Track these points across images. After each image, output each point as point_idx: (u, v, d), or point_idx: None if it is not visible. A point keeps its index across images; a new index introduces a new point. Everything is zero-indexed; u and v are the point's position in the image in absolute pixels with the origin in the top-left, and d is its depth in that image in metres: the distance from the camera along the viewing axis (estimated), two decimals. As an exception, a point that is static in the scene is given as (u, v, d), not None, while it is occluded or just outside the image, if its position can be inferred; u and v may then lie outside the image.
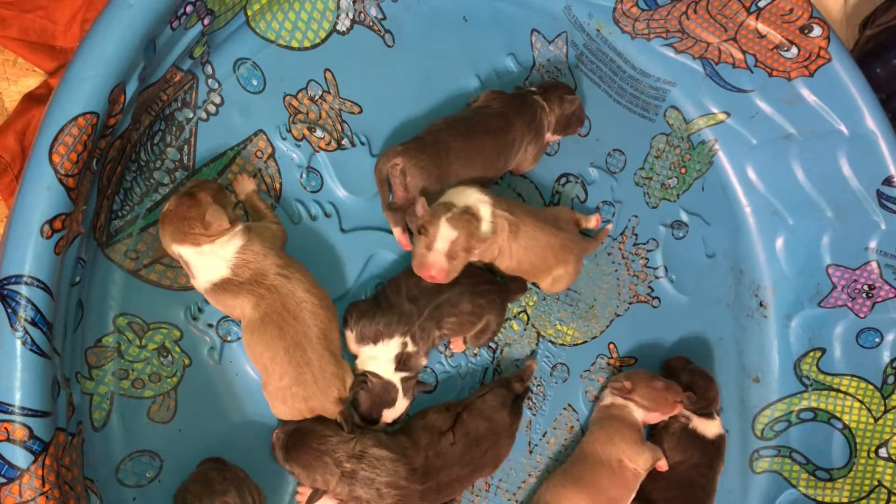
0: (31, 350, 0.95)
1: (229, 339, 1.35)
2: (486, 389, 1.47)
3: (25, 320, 0.95)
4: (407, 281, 1.41)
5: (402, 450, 1.32)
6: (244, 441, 1.33)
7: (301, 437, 1.28)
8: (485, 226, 1.39)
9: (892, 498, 1.62)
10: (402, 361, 1.36)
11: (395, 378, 1.36)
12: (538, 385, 1.62)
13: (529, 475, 1.59)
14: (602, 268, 1.72)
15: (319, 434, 1.28)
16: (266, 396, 1.31)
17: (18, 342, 0.95)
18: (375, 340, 1.35)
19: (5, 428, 0.93)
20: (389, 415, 1.37)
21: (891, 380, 1.70)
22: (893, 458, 1.66)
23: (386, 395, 1.36)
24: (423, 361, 1.41)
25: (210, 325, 1.34)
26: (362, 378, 1.35)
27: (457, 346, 1.51)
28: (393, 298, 1.39)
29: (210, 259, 1.22)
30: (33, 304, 0.96)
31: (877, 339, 1.72)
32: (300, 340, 1.26)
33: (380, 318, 1.36)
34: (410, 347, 1.36)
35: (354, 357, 1.40)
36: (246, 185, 1.35)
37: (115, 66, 1.03)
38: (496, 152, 1.49)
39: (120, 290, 1.28)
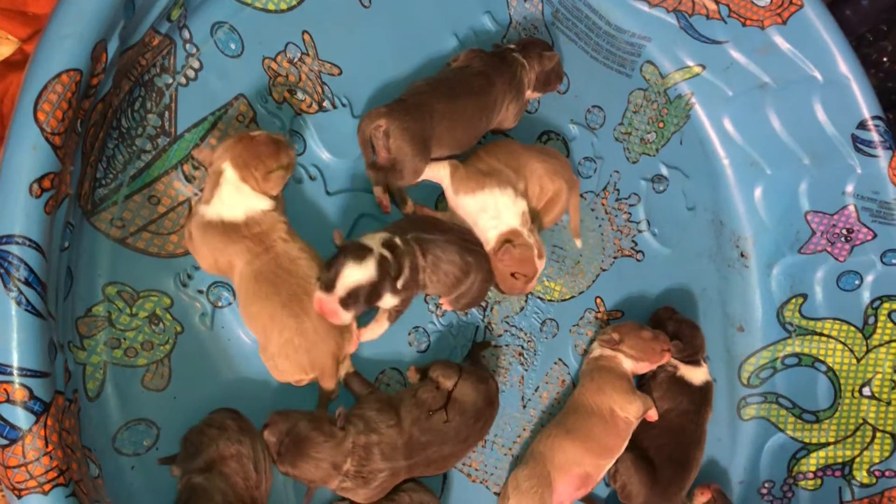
0: (27, 310, 0.94)
1: (220, 304, 1.35)
2: (457, 368, 1.43)
3: (19, 280, 0.94)
4: (399, 220, 1.42)
5: (387, 427, 1.31)
6: (239, 405, 1.31)
7: (296, 445, 1.24)
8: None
9: (878, 434, 1.66)
10: (388, 245, 1.29)
11: (376, 245, 1.27)
12: (529, 341, 1.63)
13: (524, 429, 1.61)
14: (586, 223, 1.73)
15: (314, 441, 1.24)
16: (264, 360, 1.30)
17: (13, 302, 0.93)
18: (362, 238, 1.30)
19: (5, 389, 0.92)
20: (343, 281, 1.23)
21: (871, 320, 1.73)
22: (877, 395, 1.70)
23: (355, 257, 1.25)
24: (406, 275, 1.31)
25: (200, 292, 1.33)
26: (339, 237, 1.28)
27: (447, 303, 1.52)
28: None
29: (238, 198, 1.24)
30: (26, 264, 0.95)
31: (857, 282, 1.76)
32: (296, 292, 1.25)
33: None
34: (398, 242, 1.31)
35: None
36: None
37: (96, 23, 1.01)
38: (479, 113, 1.49)
39: (108, 258, 1.26)
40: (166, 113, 1.33)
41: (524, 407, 1.62)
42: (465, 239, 1.43)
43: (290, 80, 1.44)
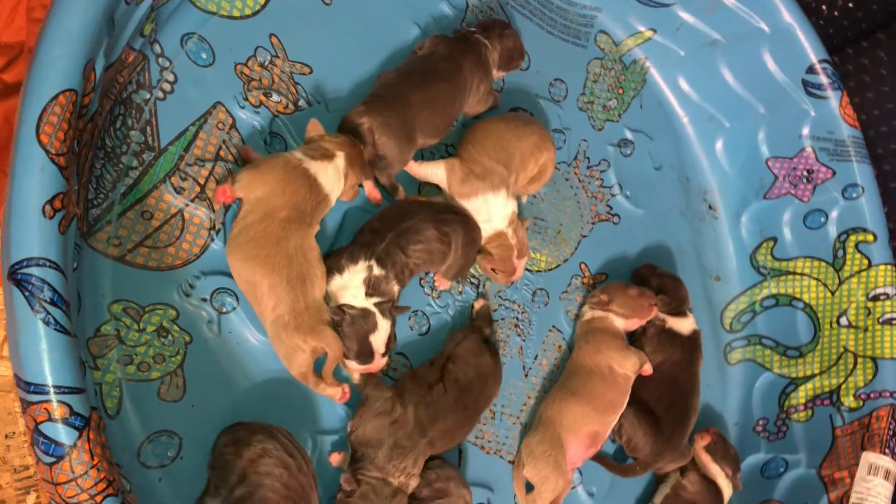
0: (56, 329, 0.95)
1: (225, 310, 1.36)
2: (460, 337, 1.51)
3: (44, 301, 0.95)
4: (371, 219, 1.45)
5: (388, 427, 1.34)
6: (256, 407, 1.34)
7: None
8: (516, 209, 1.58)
9: (859, 359, 1.74)
10: (371, 285, 1.36)
11: (369, 303, 1.35)
12: (522, 312, 1.68)
13: (529, 397, 1.66)
14: (562, 193, 1.79)
15: None
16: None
17: (41, 323, 0.94)
18: (341, 270, 1.36)
19: (45, 409, 0.93)
20: (377, 340, 1.36)
21: (840, 253, 1.82)
22: (854, 324, 1.78)
23: (366, 321, 1.34)
24: (396, 289, 1.39)
25: (204, 300, 1.35)
26: (339, 313, 1.34)
27: (442, 283, 1.56)
28: (357, 236, 1.43)
29: (334, 179, 1.36)
30: (49, 284, 0.95)
31: (822, 219, 1.84)
32: (303, 275, 1.30)
33: (343, 251, 1.39)
34: (377, 271, 1.36)
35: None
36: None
37: (84, 42, 1.02)
38: (453, 97, 1.53)
39: (109, 277, 1.27)
40: (148, 128, 1.34)
41: (526, 376, 1.66)
42: (438, 212, 1.46)
43: (263, 83, 1.46)
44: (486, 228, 1.55)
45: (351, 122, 1.43)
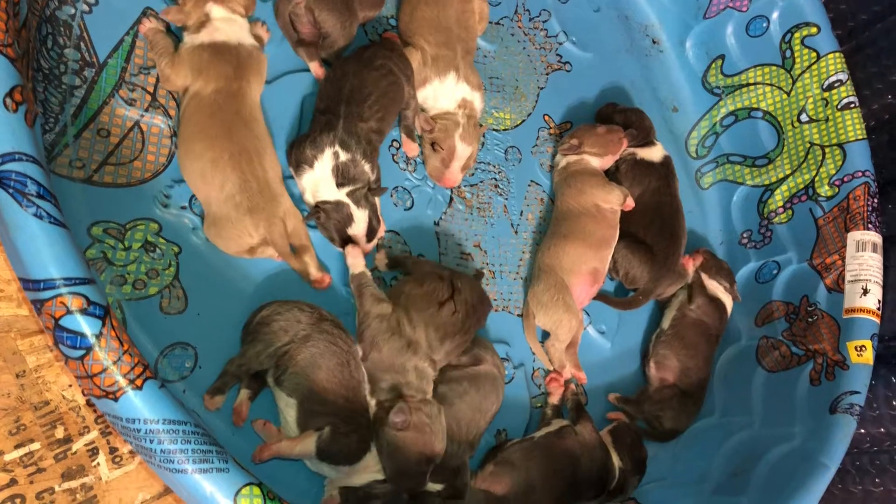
0: (51, 223, 0.90)
1: (207, 214, 1.32)
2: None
3: (31, 196, 0.89)
4: (315, 104, 1.40)
5: (408, 342, 1.28)
6: (257, 300, 1.30)
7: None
8: (478, 104, 1.56)
9: (826, 149, 1.78)
10: (340, 174, 1.33)
11: (341, 195, 1.33)
12: (499, 172, 1.67)
13: (523, 252, 1.66)
14: (511, 49, 1.76)
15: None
16: (210, 233, 1.28)
17: (34, 218, 0.89)
18: (311, 163, 1.32)
19: (61, 302, 0.88)
20: (356, 231, 1.34)
21: (788, 53, 1.84)
22: (814, 118, 1.81)
23: (340, 213, 1.33)
24: (367, 168, 1.35)
25: (183, 208, 1.30)
26: (315, 210, 1.33)
27: (409, 148, 1.54)
28: (312, 124, 1.38)
29: (233, 27, 1.32)
30: (32, 179, 0.90)
31: (764, 24, 1.86)
32: (247, 148, 1.25)
33: (304, 139, 1.34)
34: (343, 156, 1.32)
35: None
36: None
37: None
38: None
39: (82, 201, 1.22)
40: (82, 44, 1.26)
41: (516, 233, 1.66)
42: (360, 58, 1.42)
43: (189, -19, 1.39)
44: (434, 108, 1.53)
45: (286, 4, 1.38)
